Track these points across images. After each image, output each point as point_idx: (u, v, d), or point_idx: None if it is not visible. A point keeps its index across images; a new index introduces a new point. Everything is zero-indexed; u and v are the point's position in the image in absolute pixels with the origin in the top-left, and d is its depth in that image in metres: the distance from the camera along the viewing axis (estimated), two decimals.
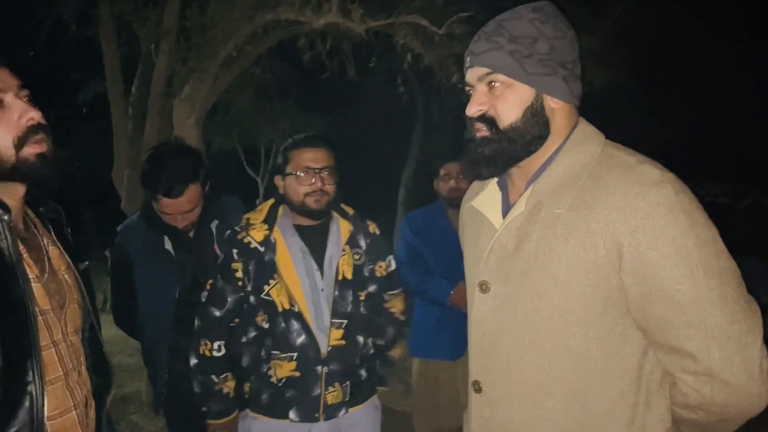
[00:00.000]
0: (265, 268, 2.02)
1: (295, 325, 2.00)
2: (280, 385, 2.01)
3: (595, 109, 1.48)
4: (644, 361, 1.16)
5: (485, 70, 1.20)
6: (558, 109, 1.21)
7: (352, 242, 2.12)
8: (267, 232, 2.05)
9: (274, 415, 2.03)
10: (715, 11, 7.48)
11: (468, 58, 1.25)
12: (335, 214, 2.14)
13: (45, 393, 1.18)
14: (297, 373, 2.00)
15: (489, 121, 1.21)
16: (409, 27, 3.39)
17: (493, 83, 1.20)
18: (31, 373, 1.16)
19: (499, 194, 1.33)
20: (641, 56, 6.07)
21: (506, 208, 1.30)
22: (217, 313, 2.07)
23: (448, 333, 2.92)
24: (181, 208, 2.19)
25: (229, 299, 2.06)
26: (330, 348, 2.02)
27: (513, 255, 1.22)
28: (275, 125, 7.72)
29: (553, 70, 1.18)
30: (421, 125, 10.51)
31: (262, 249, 2.03)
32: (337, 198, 2.10)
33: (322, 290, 2.04)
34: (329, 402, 2.03)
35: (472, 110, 1.22)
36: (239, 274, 2.04)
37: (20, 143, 1.18)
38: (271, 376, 2.02)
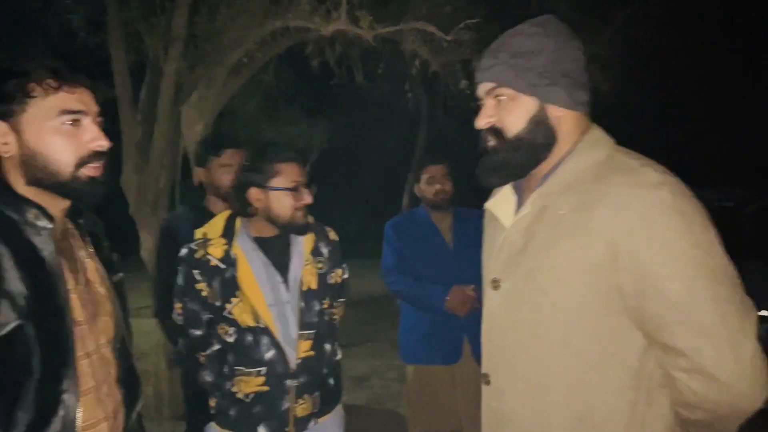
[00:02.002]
0: (226, 285, 1.95)
1: (262, 339, 1.94)
2: (248, 400, 1.95)
3: (601, 114, 1.52)
4: (645, 360, 1.19)
5: (491, 84, 1.30)
6: (563, 117, 1.28)
7: (315, 251, 2.07)
8: (226, 247, 1.97)
9: (242, 430, 1.98)
10: (717, 18, 7.51)
11: (477, 74, 1.35)
12: None
13: (79, 403, 1.19)
14: (265, 388, 1.95)
15: (497, 132, 1.29)
16: (417, 34, 3.42)
17: (499, 96, 1.28)
18: (66, 382, 1.18)
19: (514, 197, 1.40)
20: (645, 62, 6.10)
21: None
22: (198, 332, 2.04)
23: (442, 338, 2.90)
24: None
25: (203, 318, 2.02)
26: (299, 361, 1.97)
27: (521, 253, 1.28)
28: (280, 131, 7.75)
29: (554, 81, 1.25)
30: (425, 131, 10.54)
31: (223, 266, 1.95)
32: None
33: (288, 302, 1.99)
34: (299, 415, 1.97)
35: (481, 123, 1.31)
36: (205, 293, 1.98)
37: (80, 164, 1.23)
38: (236, 393, 1.96)
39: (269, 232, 2.03)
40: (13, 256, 1.15)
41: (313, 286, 2.04)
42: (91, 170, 1.25)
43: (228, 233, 2.01)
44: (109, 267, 1.41)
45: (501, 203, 1.41)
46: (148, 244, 4.61)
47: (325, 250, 2.12)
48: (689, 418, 1.21)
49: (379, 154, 12.94)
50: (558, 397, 1.22)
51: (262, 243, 2.03)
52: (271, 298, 1.97)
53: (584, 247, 1.18)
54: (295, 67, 6.25)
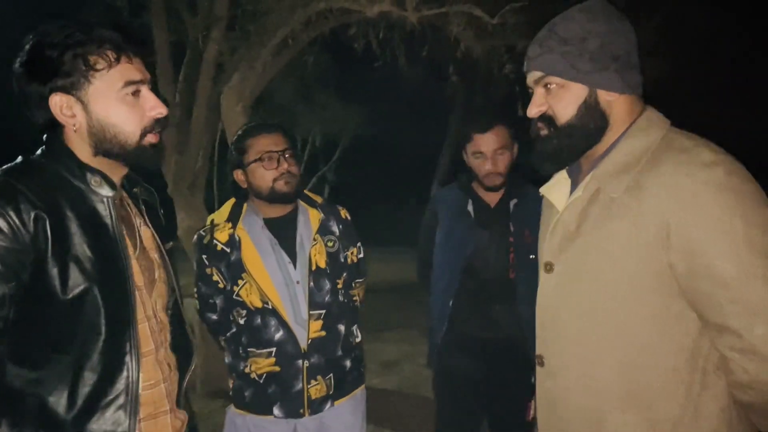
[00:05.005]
0: (233, 268, 1.98)
1: (271, 320, 1.96)
2: (261, 381, 1.98)
3: (653, 101, 1.48)
4: (701, 341, 1.20)
5: (540, 73, 1.30)
6: (615, 101, 1.27)
7: (323, 230, 2.07)
8: (231, 231, 2.00)
9: (258, 411, 2.01)
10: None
11: (525, 63, 1.35)
12: (302, 204, 2.09)
13: (140, 364, 1.23)
14: (276, 368, 1.97)
15: (548, 120, 1.31)
16: (462, 16, 3.36)
17: (548, 85, 1.29)
18: (128, 344, 1.21)
19: (568, 181, 1.42)
20: (695, 48, 5.91)
21: None
22: (215, 317, 2.08)
23: None
24: (490, 145, 2.25)
25: (217, 302, 2.05)
26: (310, 341, 1.98)
27: (573, 236, 1.30)
28: (316, 115, 7.77)
29: (604, 65, 1.24)
30: (458, 118, 10.42)
31: (228, 249, 1.99)
32: (303, 185, 2.08)
33: (298, 282, 1.99)
34: (313, 396, 1.98)
35: (532, 112, 1.33)
36: (216, 278, 2.01)
37: (144, 132, 1.25)
38: (250, 373, 1.99)
39: (275, 212, 2.04)
40: (80, 223, 1.19)
41: (322, 264, 2.03)
42: (153, 137, 1.27)
43: (233, 217, 2.03)
44: (162, 235, 1.44)
45: (555, 187, 1.43)
46: (185, 223, 4.65)
47: (335, 228, 2.11)
48: (743, 400, 1.20)
49: (411, 140, 12.87)
50: (610, 376, 1.24)
51: (269, 224, 2.04)
52: (279, 278, 1.98)
53: (636, 227, 1.18)
54: (331, 51, 6.22)
